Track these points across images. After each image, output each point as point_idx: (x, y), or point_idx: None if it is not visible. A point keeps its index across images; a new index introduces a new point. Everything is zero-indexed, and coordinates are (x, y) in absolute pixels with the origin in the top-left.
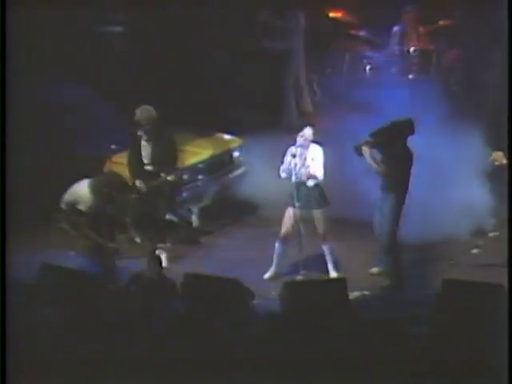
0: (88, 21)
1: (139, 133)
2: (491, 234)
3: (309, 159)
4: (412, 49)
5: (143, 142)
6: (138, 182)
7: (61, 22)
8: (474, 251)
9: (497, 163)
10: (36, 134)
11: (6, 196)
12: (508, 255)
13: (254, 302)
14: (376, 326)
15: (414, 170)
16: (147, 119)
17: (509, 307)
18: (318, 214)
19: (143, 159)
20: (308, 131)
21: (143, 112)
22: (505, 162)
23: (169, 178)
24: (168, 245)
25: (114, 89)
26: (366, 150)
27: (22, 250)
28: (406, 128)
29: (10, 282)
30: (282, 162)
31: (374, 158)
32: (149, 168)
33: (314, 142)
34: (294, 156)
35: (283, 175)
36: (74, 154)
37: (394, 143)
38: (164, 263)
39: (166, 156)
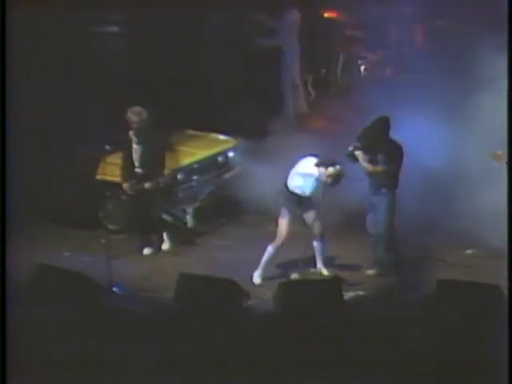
0: (88, 21)
1: (130, 135)
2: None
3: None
4: (407, 49)
5: (134, 145)
6: (125, 185)
7: (61, 21)
8: (468, 252)
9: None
10: (36, 134)
11: (5, 196)
12: (508, 255)
13: (249, 302)
14: (371, 326)
15: (411, 170)
16: (138, 121)
17: (509, 307)
18: (311, 214)
19: (134, 162)
20: None
21: (134, 114)
22: (505, 160)
23: (160, 181)
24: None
25: (114, 89)
26: (360, 155)
27: (21, 250)
28: (384, 125)
29: (9, 282)
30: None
31: (370, 161)
32: (138, 171)
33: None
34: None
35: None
36: (73, 153)
37: (380, 141)
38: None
39: (155, 159)
